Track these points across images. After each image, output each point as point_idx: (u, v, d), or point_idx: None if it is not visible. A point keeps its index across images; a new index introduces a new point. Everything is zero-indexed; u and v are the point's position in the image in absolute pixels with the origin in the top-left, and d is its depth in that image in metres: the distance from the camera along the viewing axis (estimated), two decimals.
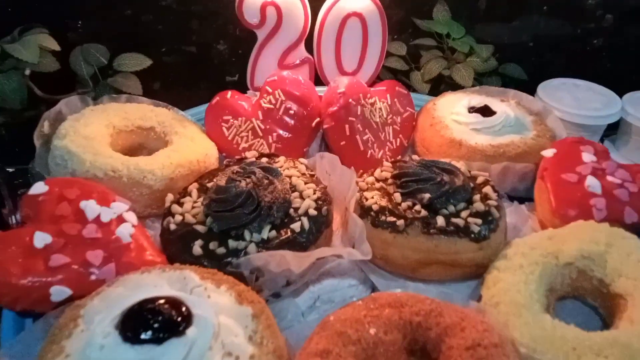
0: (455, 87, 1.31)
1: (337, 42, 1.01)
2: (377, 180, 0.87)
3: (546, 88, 1.25)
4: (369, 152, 0.98)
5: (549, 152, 0.91)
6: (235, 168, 0.81)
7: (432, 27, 1.34)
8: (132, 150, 0.98)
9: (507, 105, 1.06)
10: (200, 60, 1.38)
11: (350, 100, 0.96)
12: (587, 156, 0.88)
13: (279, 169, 0.85)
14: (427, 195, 0.79)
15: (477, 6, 1.43)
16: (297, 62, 1.02)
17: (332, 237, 0.84)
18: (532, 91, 1.23)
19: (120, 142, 0.95)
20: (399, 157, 1.03)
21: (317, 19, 1.00)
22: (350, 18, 0.99)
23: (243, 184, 0.77)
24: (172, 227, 0.78)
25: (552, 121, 1.06)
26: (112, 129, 0.93)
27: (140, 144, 0.98)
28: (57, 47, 1.04)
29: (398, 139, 1.03)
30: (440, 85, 1.37)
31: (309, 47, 1.04)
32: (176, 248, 0.75)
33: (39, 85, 1.09)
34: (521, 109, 1.07)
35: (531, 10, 1.43)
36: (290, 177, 0.83)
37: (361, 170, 0.97)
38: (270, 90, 0.97)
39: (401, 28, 1.42)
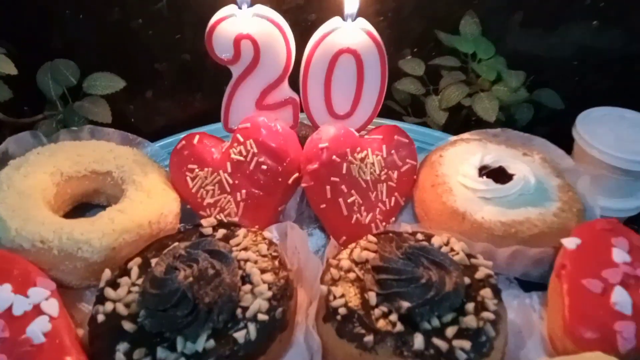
0: (476, 119, 1.14)
1: (327, 81, 0.85)
2: (356, 264, 0.73)
3: (587, 120, 1.04)
4: (354, 217, 0.83)
5: (571, 243, 0.73)
6: (180, 250, 0.68)
7: (456, 44, 1.15)
8: (86, 197, 0.87)
9: (529, 164, 0.88)
10: (194, 68, 1.25)
11: (333, 157, 0.81)
12: (619, 254, 0.70)
13: (235, 248, 0.71)
14: (405, 305, 0.64)
15: (512, 18, 1.23)
16: (280, 101, 0.87)
17: (296, 318, 0.71)
18: (570, 121, 1.04)
19: (70, 191, 0.84)
20: (392, 219, 0.88)
21: (304, 55, 0.84)
22: (342, 55, 0.82)
23: (182, 276, 0.64)
24: (100, 318, 0.66)
25: (583, 186, 0.88)
26: (59, 177, 0.82)
27: (95, 190, 0.87)
28: (13, 71, 0.92)
29: (393, 198, 0.87)
30: (460, 113, 1.19)
31: (296, 85, 0.88)
32: (100, 347, 0.64)
33: (2, 107, 0.99)
34: (546, 167, 0.89)
35: (576, 24, 1.21)
36: (245, 261, 0.69)
37: (344, 238, 0.83)
38: (241, 139, 0.82)
39: (421, 41, 1.23)
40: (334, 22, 0.82)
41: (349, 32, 0.82)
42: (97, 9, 1.12)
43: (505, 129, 0.99)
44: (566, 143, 1.05)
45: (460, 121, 1.21)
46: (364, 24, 0.83)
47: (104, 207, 0.89)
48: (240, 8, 0.80)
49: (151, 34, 1.19)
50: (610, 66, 1.21)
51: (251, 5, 0.80)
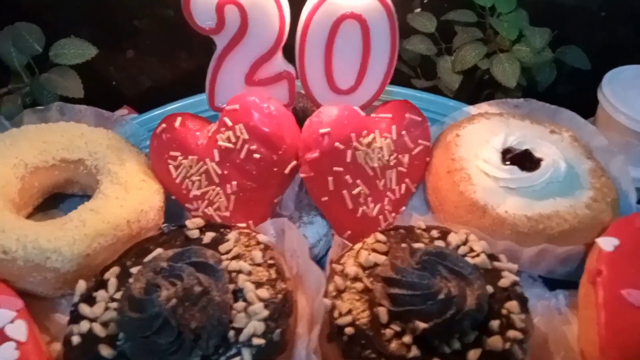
0: (494, 82, 1.02)
1: (327, 52, 0.73)
2: (363, 269, 0.64)
3: (614, 81, 0.94)
4: (360, 209, 0.74)
5: (608, 244, 0.64)
6: (162, 263, 0.59)
7: None
8: (57, 188, 0.77)
9: (557, 144, 0.77)
10: (179, 24, 1.12)
11: (336, 144, 0.70)
12: None
13: (225, 256, 0.63)
14: (421, 326, 0.56)
15: None
16: (273, 76, 0.75)
17: (296, 330, 0.63)
18: (595, 81, 0.94)
19: (37, 184, 0.74)
20: (402, 209, 0.78)
21: (299, 21, 0.71)
22: (345, 20, 0.70)
23: (164, 296, 0.55)
24: (75, 340, 0.58)
25: (617, 169, 0.78)
26: (24, 169, 0.72)
27: (67, 180, 0.77)
28: None
29: (403, 185, 0.77)
30: (475, 74, 1.07)
31: (291, 55, 0.76)
32: None
33: None
34: (576, 148, 0.79)
35: None
36: (237, 273, 0.61)
37: (348, 232, 0.75)
38: (229, 123, 0.71)
39: None
40: None
41: None
42: None
43: (529, 99, 0.88)
44: (590, 106, 0.96)
45: (475, 84, 1.10)
46: None
47: (79, 196, 0.81)
48: None
49: None
50: None
51: None
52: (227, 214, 0.74)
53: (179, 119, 0.75)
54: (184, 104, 0.95)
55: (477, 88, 1.09)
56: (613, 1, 1.08)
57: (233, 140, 0.71)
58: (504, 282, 0.63)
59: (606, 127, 0.90)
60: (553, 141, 0.78)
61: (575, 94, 1.03)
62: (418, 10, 1.09)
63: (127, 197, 0.70)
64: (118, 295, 0.61)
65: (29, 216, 0.75)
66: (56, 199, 0.80)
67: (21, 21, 0.91)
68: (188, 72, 1.19)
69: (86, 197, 0.79)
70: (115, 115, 0.85)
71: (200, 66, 1.17)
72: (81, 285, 0.62)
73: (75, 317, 0.60)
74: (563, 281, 0.74)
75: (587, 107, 0.95)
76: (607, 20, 1.10)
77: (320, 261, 0.75)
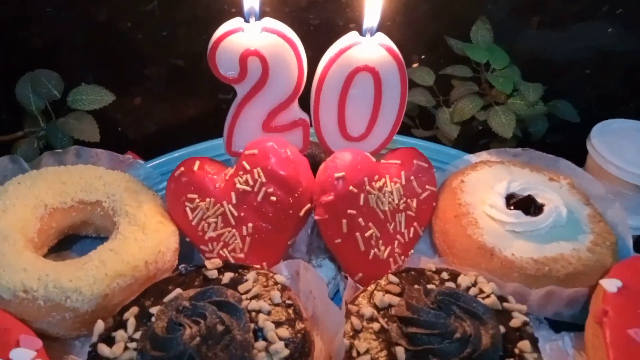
0: (489, 132, 1.07)
1: (341, 101, 0.77)
2: (378, 310, 0.66)
3: (603, 133, 0.99)
4: (372, 251, 0.76)
5: (611, 285, 0.67)
6: (183, 302, 0.60)
7: (468, 52, 1.08)
8: (73, 229, 0.79)
9: (557, 191, 0.81)
10: (188, 74, 1.16)
11: (351, 187, 0.73)
12: None
13: (245, 295, 0.64)
14: None
15: (528, 23, 1.16)
16: (289, 123, 0.78)
17: None
18: (585, 131, 0.99)
19: (55, 224, 0.75)
20: (410, 252, 0.81)
21: (316, 73, 0.76)
22: (359, 73, 0.74)
23: (187, 334, 0.56)
24: None
25: (615, 215, 0.82)
26: (43, 209, 0.73)
27: (83, 221, 0.78)
28: None
29: (412, 229, 0.80)
30: (472, 125, 1.12)
31: (305, 103, 0.80)
32: None
33: None
34: (575, 195, 0.83)
35: (592, 30, 1.15)
36: (257, 313, 0.62)
37: (360, 274, 0.76)
38: (247, 167, 0.74)
39: (432, 47, 1.16)
40: (352, 37, 0.74)
41: (368, 48, 0.74)
42: (81, 9, 1.03)
43: (527, 148, 0.93)
44: (580, 155, 1.01)
45: (472, 134, 1.15)
46: (383, 39, 0.75)
47: (92, 238, 0.81)
48: (247, 21, 0.71)
49: (141, 37, 1.11)
50: (629, 75, 1.16)
51: (260, 18, 0.72)
52: (242, 255, 0.75)
53: (197, 163, 0.77)
54: (191, 150, 0.98)
55: (475, 138, 1.14)
56: (601, 59, 1.15)
57: (251, 183, 0.74)
58: (515, 323, 0.65)
59: (596, 175, 0.94)
60: (553, 188, 0.82)
61: (567, 144, 1.08)
62: (416, 65, 1.15)
63: (145, 239, 0.71)
64: (137, 335, 0.61)
65: (44, 257, 0.75)
66: (68, 241, 0.81)
67: (37, 67, 0.95)
68: (192, 120, 1.22)
69: (99, 239, 0.80)
70: (130, 159, 0.88)
71: (204, 114, 1.21)
72: (100, 326, 0.62)
73: (94, 358, 0.60)
74: (567, 324, 0.76)
75: (578, 156, 1.00)
76: (596, 76, 1.17)
77: None
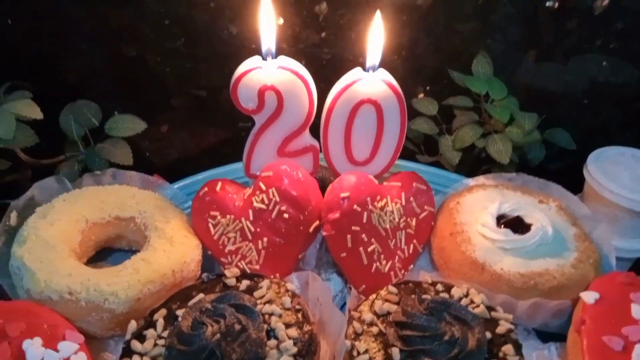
0: (490, 159, 1.15)
1: (347, 130, 0.86)
2: (378, 316, 0.74)
3: (599, 160, 1.04)
4: (374, 265, 0.84)
5: (590, 297, 0.74)
6: (206, 304, 0.69)
7: (468, 84, 1.16)
8: (108, 242, 0.88)
9: (545, 212, 0.89)
10: (210, 104, 1.27)
11: (355, 206, 0.82)
12: (639, 310, 0.71)
13: (259, 300, 0.72)
14: None
15: (526, 56, 1.24)
16: (301, 149, 0.88)
17: None
18: (583, 158, 1.04)
19: (94, 237, 0.85)
20: (410, 267, 0.88)
21: (325, 105, 0.86)
22: (363, 105, 0.84)
23: (209, 331, 0.65)
24: None
25: (600, 235, 0.89)
26: (85, 224, 0.83)
27: (118, 235, 0.88)
28: (39, 116, 0.94)
29: (411, 245, 0.88)
30: (473, 151, 1.20)
31: (315, 130, 0.90)
32: None
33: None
34: (562, 216, 0.90)
35: (588, 63, 1.22)
36: (270, 315, 0.70)
37: (363, 286, 0.84)
38: (263, 187, 0.84)
39: (435, 79, 1.25)
40: (356, 73, 0.84)
41: (370, 83, 0.83)
42: (113, 45, 1.14)
43: (521, 173, 1.00)
44: (578, 180, 1.05)
45: (473, 160, 1.23)
46: (384, 75, 0.84)
47: (124, 251, 0.91)
48: (265, 60, 0.82)
49: (168, 70, 1.22)
50: (623, 104, 1.23)
51: (276, 56, 0.82)
52: (257, 267, 0.84)
53: (219, 184, 0.87)
54: (214, 172, 1.06)
55: (476, 163, 1.22)
56: (596, 89, 1.21)
57: (266, 202, 0.83)
58: (500, 329, 0.72)
59: (593, 200, 1.00)
60: (542, 209, 0.90)
61: (566, 170, 1.14)
62: (421, 96, 1.24)
63: (173, 250, 0.81)
64: (165, 334, 0.70)
65: None
66: (103, 253, 0.91)
67: (74, 98, 1.06)
68: (213, 145, 1.31)
69: (131, 251, 0.89)
70: (159, 181, 0.98)
71: (225, 141, 1.31)
72: (133, 325, 0.72)
73: (127, 352, 0.69)
74: (554, 334, 0.82)
75: (576, 182, 1.05)
76: (592, 105, 1.24)
77: None
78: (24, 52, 1.12)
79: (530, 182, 0.98)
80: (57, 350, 0.65)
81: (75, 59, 1.15)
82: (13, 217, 0.83)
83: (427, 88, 1.26)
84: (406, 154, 1.21)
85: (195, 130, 1.30)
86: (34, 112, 0.93)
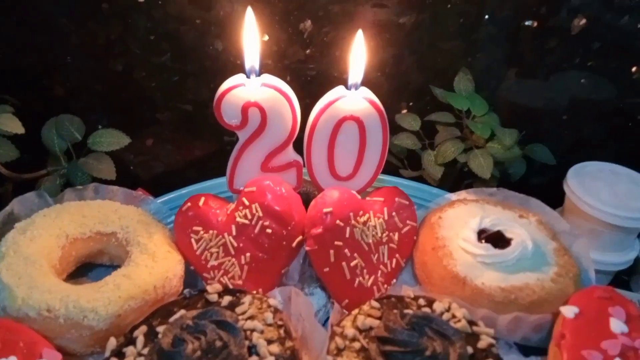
0: (472, 174, 1.16)
1: (330, 146, 0.87)
2: (360, 332, 0.74)
3: (579, 175, 1.06)
4: (357, 280, 0.84)
5: (569, 312, 0.75)
6: (187, 320, 0.68)
7: (450, 100, 1.18)
8: (89, 257, 0.87)
9: (525, 227, 0.90)
10: (196, 118, 1.28)
11: (337, 221, 0.82)
12: (617, 324, 0.72)
13: (241, 316, 0.72)
14: None
15: (507, 74, 1.27)
16: (284, 164, 0.89)
17: None
18: (564, 173, 1.07)
19: (75, 253, 0.84)
20: (393, 281, 0.89)
21: (308, 121, 0.87)
22: (346, 121, 0.85)
23: (190, 348, 0.65)
24: None
25: (579, 250, 0.90)
26: (65, 239, 0.82)
27: (99, 250, 0.87)
28: (20, 130, 0.93)
29: (394, 260, 0.88)
30: (456, 166, 1.22)
31: (299, 146, 0.90)
32: None
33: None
34: (542, 230, 0.91)
35: (567, 80, 1.25)
36: (251, 331, 0.70)
37: (346, 300, 0.84)
38: (247, 202, 0.84)
39: (418, 96, 1.27)
40: (338, 90, 0.85)
41: (353, 100, 0.84)
42: (99, 59, 1.15)
43: (502, 188, 1.02)
44: (558, 196, 1.08)
45: (456, 175, 1.24)
46: (366, 92, 0.86)
47: (106, 267, 0.90)
48: (248, 77, 0.82)
49: (153, 85, 1.22)
50: (602, 120, 1.25)
51: (260, 73, 0.83)
52: (240, 282, 0.84)
53: (202, 199, 0.87)
54: (197, 187, 1.06)
55: (458, 178, 1.23)
56: (576, 106, 1.23)
57: (249, 217, 0.83)
58: (482, 344, 0.72)
59: (573, 215, 1.02)
60: (522, 224, 0.91)
61: (546, 185, 1.16)
62: (405, 111, 1.26)
63: (155, 266, 0.80)
64: (145, 351, 0.69)
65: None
66: (84, 268, 0.90)
67: (58, 112, 1.05)
68: (198, 160, 1.32)
69: (112, 267, 0.89)
70: (142, 196, 0.97)
71: (209, 155, 1.31)
72: (112, 342, 0.71)
73: None
74: (536, 348, 0.83)
75: (556, 196, 1.08)
76: (571, 121, 1.26)
77: None
78: (8, 65, 1.12)
79: (511, 197, 1.00)
80: None
81: (61, 73, 1.16)
82: None
83: (410, 104, 1.28)
84: (390, 168, 1.23)
85: (181, 144, 1.31)
86: (15, 127, 0.93)
